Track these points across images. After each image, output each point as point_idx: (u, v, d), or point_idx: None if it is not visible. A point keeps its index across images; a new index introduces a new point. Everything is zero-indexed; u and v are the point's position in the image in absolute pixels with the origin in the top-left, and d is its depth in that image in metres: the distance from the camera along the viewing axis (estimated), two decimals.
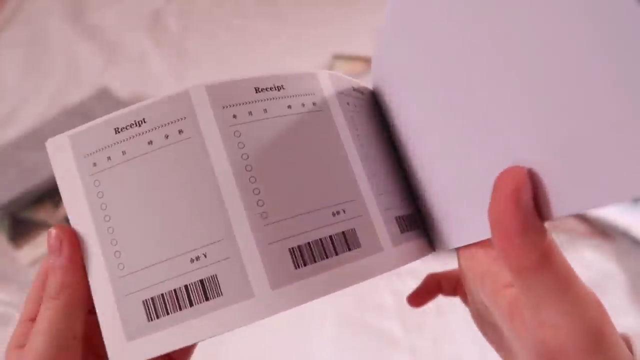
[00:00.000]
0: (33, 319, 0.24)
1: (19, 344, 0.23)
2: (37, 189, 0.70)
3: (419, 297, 0.33)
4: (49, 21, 1.03)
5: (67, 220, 0.23)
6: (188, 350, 0.28)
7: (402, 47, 0.24)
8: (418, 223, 0.26)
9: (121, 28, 1.00)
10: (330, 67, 0.87)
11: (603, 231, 0.62)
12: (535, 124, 0.15)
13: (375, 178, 0.25)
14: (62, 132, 0.26)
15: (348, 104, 0.26)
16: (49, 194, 0.71)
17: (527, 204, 0.16)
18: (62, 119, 0.78)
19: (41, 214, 0.69)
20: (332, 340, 0.56)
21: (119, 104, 0.81)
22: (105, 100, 0.81)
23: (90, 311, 0.23)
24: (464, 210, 0.22)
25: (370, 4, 0.99)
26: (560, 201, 0.15)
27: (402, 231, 0.25)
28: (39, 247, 0.66)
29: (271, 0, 1.04)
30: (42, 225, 0.68)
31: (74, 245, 0.23)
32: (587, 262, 0.60)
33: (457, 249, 0.23)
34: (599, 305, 0.17)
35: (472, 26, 0.17)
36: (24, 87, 0.91)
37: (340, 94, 0.26)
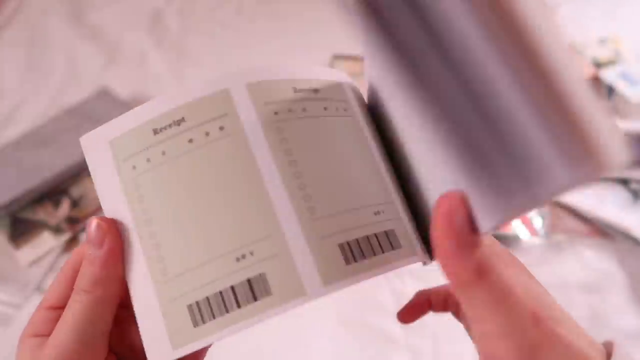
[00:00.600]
0: (54, 307, 0.22)
1: (35, 332, 0.22)
2: (37, 189, 0.70)
3: (408, 314, 0.32)
4: (49, 21, 1.03)
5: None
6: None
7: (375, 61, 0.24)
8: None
9: (121, 28, 1.00)
10: (330, 67, 0.87)
11: (603, 231, 0.62)
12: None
13: (397, 187, 0.26)
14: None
15: (367, 115, 0.27)
16: (49, 194, 0.71)
17: (460, 224, 0.17)
18: (62, 119, 0.78)
19: (41, 214, 0.69)
20: (332, 340, 0.56)
21: (119, 104, 0.81)
22: (105, 100, 0.81)
23: (119, 307, 0.22)
24: None
25: None
26: (483, 218, 0.17)
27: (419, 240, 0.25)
28: (38, 247, 0.66)
29: (272, 0, 1.05)
30: (42, 225, 0.68)
31: (117, 239, 0.22)
32: (587, 262, 0.60)
33: None
34: (536, 322, 0.17)
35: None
36: (24, 87, 0.91)
37: (362, 106, 0.27)
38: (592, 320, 0.55)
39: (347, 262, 0.21)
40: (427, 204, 0.24)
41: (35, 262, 0.65)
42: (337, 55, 0.89)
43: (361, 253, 0.22)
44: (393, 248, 0.23)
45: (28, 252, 0.66)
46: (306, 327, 0.57)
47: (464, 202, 0.17)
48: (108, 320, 0.22)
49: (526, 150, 0.14)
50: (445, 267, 0.18)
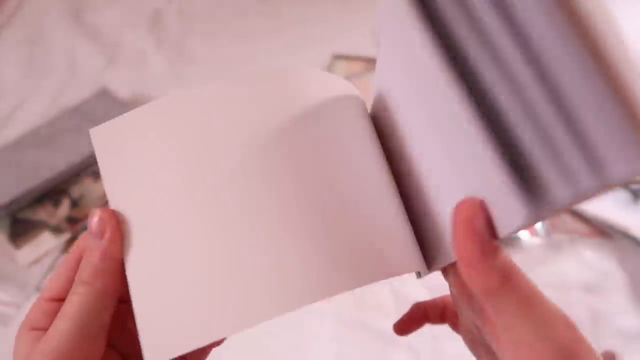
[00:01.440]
0: (54, 300, 0.22)
1: (34, 325, 0.21)
2: (37, 189, 0.70)
3: (405, 326, 0.32)
4: (49, 21, 1.03)
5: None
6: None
7: (391, 69, 0.24)
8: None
9: (121, 28, 1.00)
10: (330, 67, 0.87)
11: (603, 231, 0.62)
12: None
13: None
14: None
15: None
16: (49, 194, 0.71)
17: (482, 230, 0.17)
18: (62, 119, 0.78)
19: (41, 214, 0.69)
20: (332, 340, 0.56)
21: (118, 104, 0.81)
22: (105, 100, 0.81)
23: (120, 301, 0.22)
24: (443, 232, 0.22)
25: (371, 3, 0.99)
26: (501, 224, 0.17)
27: None
28: (39, 247, 0.66)
29: (271, 0, 1.04)
30: (42, 225, 0.68)
31: (117, 231, 0.21)
32: (587, 262, 0.60)
33: (446, 273, 0.23)
34: (568, 324, 0.17)
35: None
36: (24, 87, 0.91)
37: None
38: (592, 320, 0.55)
39: None
40: (432, 214, 0.24)
41: (35, 262, 0.65)
42: (337, 55, 0.89)
43: None
44: None
45: (28, 252, 0.66)
46: (306, 327, 0.57)
47: (483, 208, 0.17)
48: (108, 314, 0.22)
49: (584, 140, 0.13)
50: (470, 274, 0.17)
